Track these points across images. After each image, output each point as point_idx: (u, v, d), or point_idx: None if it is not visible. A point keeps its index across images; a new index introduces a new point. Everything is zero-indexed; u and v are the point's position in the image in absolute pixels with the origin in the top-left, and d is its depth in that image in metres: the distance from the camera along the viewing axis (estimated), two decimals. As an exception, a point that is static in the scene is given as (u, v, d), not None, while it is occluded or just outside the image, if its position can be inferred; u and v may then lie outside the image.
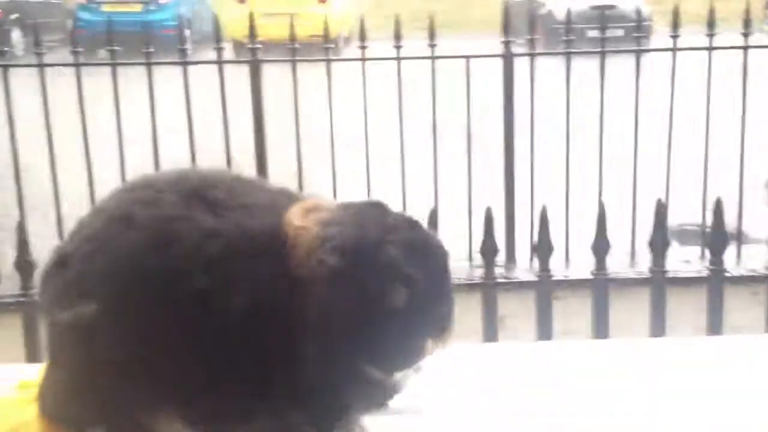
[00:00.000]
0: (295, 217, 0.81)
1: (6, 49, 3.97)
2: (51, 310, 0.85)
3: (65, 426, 0.89)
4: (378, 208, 0.83)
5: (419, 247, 0.81)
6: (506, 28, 3.97)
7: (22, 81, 4.08)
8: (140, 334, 0.80)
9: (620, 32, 8.49)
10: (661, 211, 2.71)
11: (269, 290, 0.78)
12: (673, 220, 4.03)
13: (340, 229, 0.79)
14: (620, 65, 4.17)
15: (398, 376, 0.85)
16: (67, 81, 3.88)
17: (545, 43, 10.92)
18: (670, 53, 3.90)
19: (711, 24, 3.82)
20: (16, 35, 12.65)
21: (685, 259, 3.96)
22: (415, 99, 4.10)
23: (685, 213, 4.42)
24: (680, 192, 4.11)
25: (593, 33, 4.69)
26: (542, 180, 4.07)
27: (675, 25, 3.81)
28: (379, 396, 0.86)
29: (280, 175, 3.86)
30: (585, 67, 4.31)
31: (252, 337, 0.79)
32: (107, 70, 3.90)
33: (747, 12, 3.83)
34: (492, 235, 2.83)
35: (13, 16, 12.70)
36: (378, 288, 0.78)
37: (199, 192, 0.82)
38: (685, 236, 4.41)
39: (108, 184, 1.00)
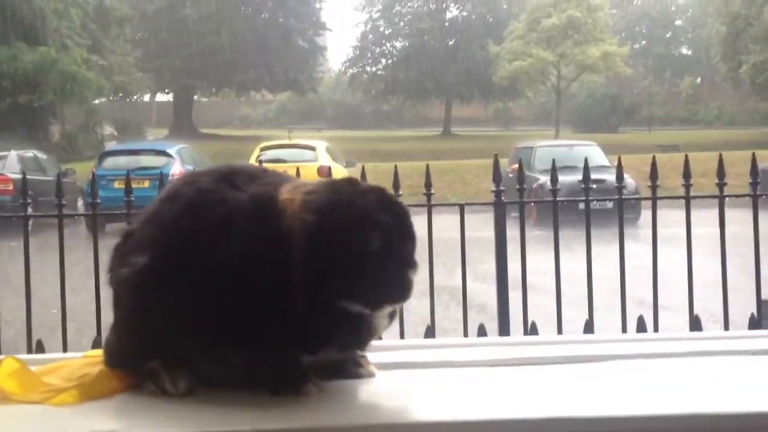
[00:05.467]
0: (285, 190, 1.08)
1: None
2: (116, 270, 1.11)
3: (125, 368, 1.10)
4: (349, 181, 1.08)
5: (385, 202, 1.06)
6: (496, 178, 4.31)
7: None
8: (173, 277, 1.06)
9: (609, 204, 8.91)
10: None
11: (260, 242, 1.04)
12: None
13: (317, 196, 1.05)
14: (609, 236, 4.43)
15: (381, 312, 1.05)
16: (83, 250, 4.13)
17: (538, 215, 11.44)
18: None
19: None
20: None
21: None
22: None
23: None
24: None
25: (583, 205, 4.80)
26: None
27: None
28: (362, 330, 1.06)
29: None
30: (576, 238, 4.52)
31: (246, 277, 1.03)
32: (116, 237, 4.18)
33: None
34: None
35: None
36: (354, 236, 1.01)
37: (226, 175, 1.11)
38: None
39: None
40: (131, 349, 1.09)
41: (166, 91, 39.42)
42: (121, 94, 33.13)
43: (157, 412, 1.03)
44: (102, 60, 27.41)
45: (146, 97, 40.34)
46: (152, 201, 1.16)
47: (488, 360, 1.19)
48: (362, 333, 1.06)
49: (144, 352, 1.08)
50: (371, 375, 1.12)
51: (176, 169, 15.97)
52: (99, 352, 1.18)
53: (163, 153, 17.46)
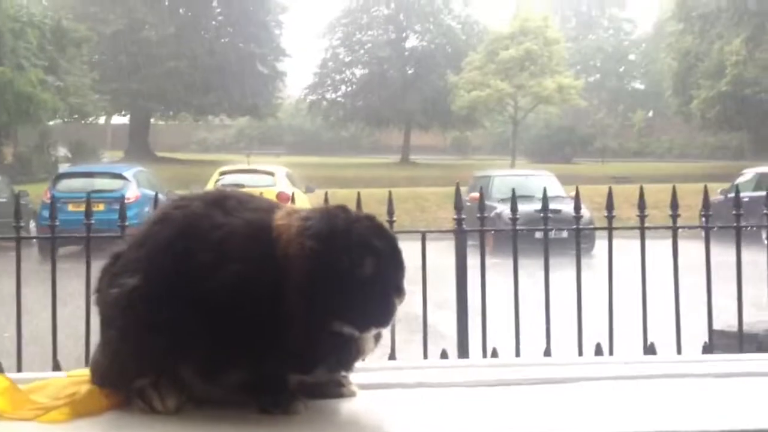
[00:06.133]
0: (280, 216, 1.13)
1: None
2: (106, 290, 1.14)
3: (113, 387, 1.14)
4: (342, 208, 1.14)
5: (378, 230, 1.12)
6: (458, 206, 4.38)
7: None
8: (165, 298, 1.09)
9: (564, 234, 9.02)
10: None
11: (256, 266, 1.09)
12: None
13: (314, 222, 1.11)
14: (564, 265, 4.53)
15: (369, 334, 1.11)
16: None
17: (495, 243, 11.57)
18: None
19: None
20: (-23, 233, 12.92)
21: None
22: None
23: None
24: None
25: (539, 234, 4.86)
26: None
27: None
28: (352, 351, 1.12)
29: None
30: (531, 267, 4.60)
31: (241, 299, 1.07)
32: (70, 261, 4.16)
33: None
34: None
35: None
36: (349, 261, 1.07)
37: (217, 200, 1.16)
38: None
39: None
40: (120, 368, 1.12)
41: (123, 113, 39.06)
42: (76, 116, 32.69)
43: (146, 430, 1.06)
44: (58, 81, 27.10)
45: (102, 119, 39.92)
46: (142, 224, 1.20)
47: (464, 381, 1.25)
48: (351, 354, 1.12)
49: (133, 370, 1.11)
50: (353, 394, 1.17)
51: (132, 193, 15.72)
52: (84, 372, 1.21)
53: (119, 176, 17.24)
